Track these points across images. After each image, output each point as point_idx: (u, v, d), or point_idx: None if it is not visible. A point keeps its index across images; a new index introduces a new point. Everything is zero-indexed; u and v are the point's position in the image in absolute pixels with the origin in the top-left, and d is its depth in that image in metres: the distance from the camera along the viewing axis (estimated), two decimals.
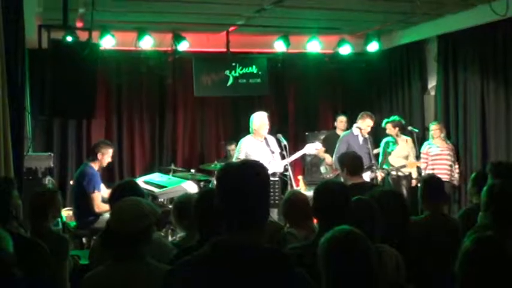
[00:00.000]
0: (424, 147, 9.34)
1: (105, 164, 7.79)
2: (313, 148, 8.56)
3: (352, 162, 6.27)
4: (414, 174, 9.31)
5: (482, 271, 2.67)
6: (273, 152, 8.18)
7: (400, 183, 9.27)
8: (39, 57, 7.14)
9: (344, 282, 2.71)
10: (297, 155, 8.57)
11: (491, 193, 4.47)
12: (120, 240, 3.02)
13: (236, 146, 8.64)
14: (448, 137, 9.53)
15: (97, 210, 7.30)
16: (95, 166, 7.61)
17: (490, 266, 2.67)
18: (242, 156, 8.07)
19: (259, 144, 8.16)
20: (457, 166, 9.32)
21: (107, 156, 7.69)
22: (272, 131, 8.48)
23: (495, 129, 9.10)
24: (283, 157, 8.20)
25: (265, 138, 8.24)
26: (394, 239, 3.78)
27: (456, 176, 9.25)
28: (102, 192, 7.56)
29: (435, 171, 8.83)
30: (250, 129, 8.25)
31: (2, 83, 5.75)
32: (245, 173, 2.28)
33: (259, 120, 8.20)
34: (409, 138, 9.55)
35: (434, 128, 9.29)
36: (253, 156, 7.84)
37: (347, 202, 3.48)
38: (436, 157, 9.17)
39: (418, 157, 9.32)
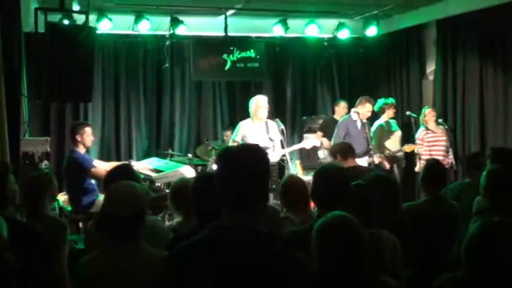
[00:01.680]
0: (420, 133, 9.28)
1: (89, 143, 7.60)
2: (311, 143, 8.54)
3: (342, 148, 6.59)
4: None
5: (490, 257, 2.66)
6: (271, 140, 8.15)
7: (393, 164, 9.27)
8: (35, 40, 7.09)
9: (334, 267, 2.70)
10: (294, 148, 8.56)
11: (490, 178, 4.50)
12: (114, 223, 2.99)
13: (231, 132, 8.61)
14: (445, 121, 9.47)
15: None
16: (80, 150, 7.49)
17: (498, 252, 2.65)
18: (238, 139, 8.06)
19: (257, 129, 8.12)
20: (451, 151, 9.26)
21: (86, 135, 7.48)
22: (269, 116, 8.44)
23: (493, 114, 9.07)
24: (283, 145, 8.18)
25: (266, 124, 8.19)
26: (390, 224, 3.78)
27: (451, 160, 9.19)
28: (102, 165, 7.55)
29: (431, 156, 8.80)
30: (250, 113, 8.23)
31: None
32: (245, 157, 2.26)
33: (255, 103, 8.19)
34: (395, 121, 9.63)
35: (428, 113, 9.24)
36: (250, 140, 7.81)
37: (346, 186, 3.46)
38: (433, 143, 9.13)
39: (413, 141, 9.34)
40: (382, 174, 4.68)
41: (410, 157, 9.49)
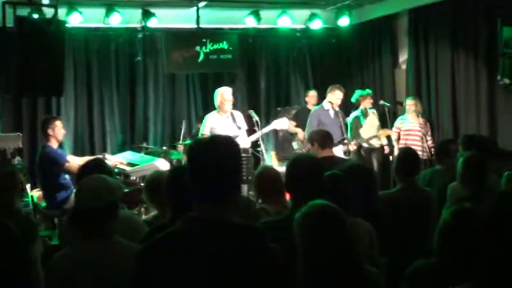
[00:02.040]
0: (397, 122, 9.38)
1: (60, 137, 7.46)
2: (280, 124, 8.52)
3: (321, 136, 6.43)
4: (384, 141, 9.40)
5: (461, 242, 2.68)
6: (239, 128, 8.16)
7: (371, 155, 9.33)
8: (4, 35, 7.00)
9: (320, 256, 2.69)
10: (264, 130, 8.54)
11: (467, 165, 4.55)
12: (87, 217, 2.96)
13: None
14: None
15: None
16: (53, 144, 7.39)
17: (469, 238, 2.67)
18: (206, 132, 8.06)
19: (224, 120, 8.15)
20: (430, 140, 9.31)
21: (57, 129, 7.34)
22: (243, 107, 8.46)
23: (465, 103, 9.15)
24: (253, 133, 8.18)
25: (232, 114, 8.22)
26: (366, 212, 3.80)
27: (427, 149, 9.27)
28: (75, 160, 7.46)
29: (407, 145, 8.87)
30: (215, 105, 8.23)
31: None
32: (215, 148, 2.24)
33: (220, 96, 8.19)
34: (374, 111, 9.66)
35: (409, 103, 9.31)
36: (218, 132, 7.82)
37: (320, 175, 3.45)
38: (408, 132, 9.21)
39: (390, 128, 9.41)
40: (358, 164, 4.69)
41: (388, 146, 9.55)
